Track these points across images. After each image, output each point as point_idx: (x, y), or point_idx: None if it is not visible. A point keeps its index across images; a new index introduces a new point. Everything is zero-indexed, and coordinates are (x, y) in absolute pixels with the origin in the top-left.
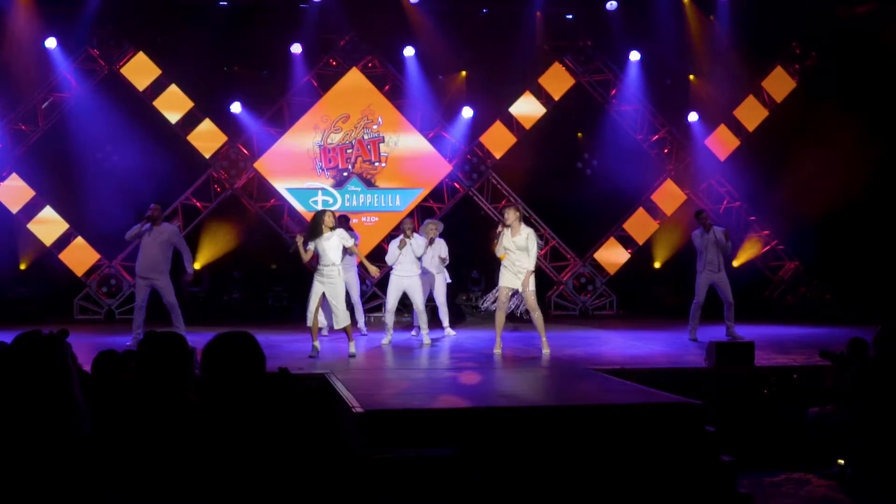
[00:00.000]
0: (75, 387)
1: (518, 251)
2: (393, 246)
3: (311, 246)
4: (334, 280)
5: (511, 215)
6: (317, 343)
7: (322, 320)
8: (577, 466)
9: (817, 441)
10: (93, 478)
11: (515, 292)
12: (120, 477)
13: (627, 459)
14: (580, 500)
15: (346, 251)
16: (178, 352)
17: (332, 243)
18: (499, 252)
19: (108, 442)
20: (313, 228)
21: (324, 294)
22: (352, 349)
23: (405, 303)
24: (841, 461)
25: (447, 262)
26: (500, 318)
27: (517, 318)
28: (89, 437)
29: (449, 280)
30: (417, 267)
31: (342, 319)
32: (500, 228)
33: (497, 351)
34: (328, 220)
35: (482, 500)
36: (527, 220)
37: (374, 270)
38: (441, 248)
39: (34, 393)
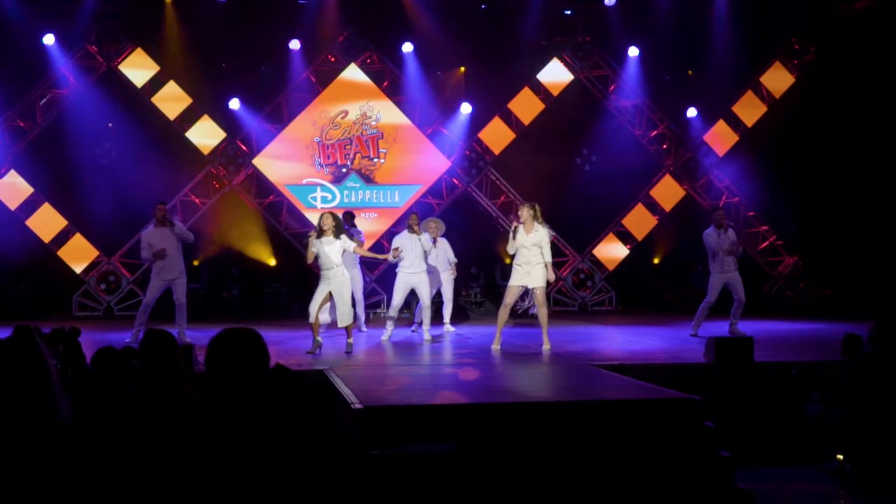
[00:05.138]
0: (52, 377)
1: (532, 248)
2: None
3: (314, 248)
4: (340, 279)
5: (525, 213)
6: (319, 338)
7: (323, 318)
8: (576, 462)
9: (816, 436)
10: (73, 465)
11: (526, 290)
12: (117, 474)
13: (626, 455)
14: (579, 495)
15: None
16: (178, 349)
17: (333, 248)
18: (511, 250)
19: (106, 439)
20: (338, 227)
21: (330, 293)
22: (349, 343)
23: (406, 298)
24: (840, 456)
25: (454, 257)
26: (504, 315)
27: (522, 315)
28: (66, 425)
29: (454, 275)
30: (424, 262)
31: (346, 317)
32: (515, 225)
33: (495, 347)
34: (326, 223)
35: (481, 496)
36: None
37: (385, 256)
38: (447, 249)
39: (11, 383)
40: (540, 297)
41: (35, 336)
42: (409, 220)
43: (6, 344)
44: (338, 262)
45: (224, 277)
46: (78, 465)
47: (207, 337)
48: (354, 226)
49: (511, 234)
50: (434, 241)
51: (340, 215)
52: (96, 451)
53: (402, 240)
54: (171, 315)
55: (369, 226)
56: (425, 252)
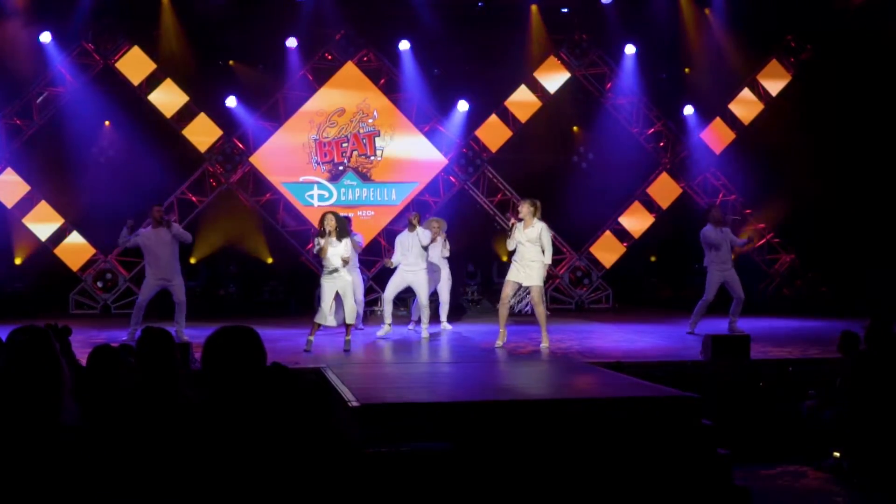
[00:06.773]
0: (64, 379)
1: (529, 244)
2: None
3: (326, 245)
4: (344, 281)
5: (524, 209)
6: (311, 338)
7: (330, 320)
8: (573, 460)
9: (813, 434)
10: (79, 468)
11: (521, 286)
12: (115, 473)
13: (624, 453)
14: (577, 494)
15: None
16: (175, 348)
17: (337, 251)
18: (510, 245)
19: (103, 437)
20: (341, 229)
21: (336, 292)
22: (348, 341)
23: (402, 296)
24: (837, 453)
25: (448, 254)
26: (504, 311)
27: (520, 313)
28: (74, 428)
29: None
30: (423, 260)
31: (352, 315)
32: (512, 222)
33: (499, 344)
34: (329, 225)
35: (478, 494)
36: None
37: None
38: (446, 247)
39: (22, 384)
40: (536, 295)
41: (52, 338)
42: (409, 216)
43: (23, 343)
44: (338, 266)
45: (221, 275)
46: (77, 465)
47: (204, 335)
48: (351, 230)
49: (510, 231)
50: (434, 239)
51: None
52: (94, 449)
53: (403, 238)
54: (169, 313)
55: (366, 224)
56: (424, 248)
